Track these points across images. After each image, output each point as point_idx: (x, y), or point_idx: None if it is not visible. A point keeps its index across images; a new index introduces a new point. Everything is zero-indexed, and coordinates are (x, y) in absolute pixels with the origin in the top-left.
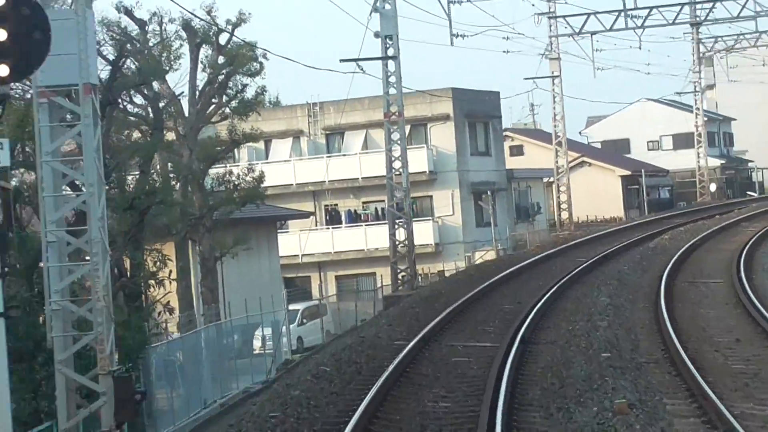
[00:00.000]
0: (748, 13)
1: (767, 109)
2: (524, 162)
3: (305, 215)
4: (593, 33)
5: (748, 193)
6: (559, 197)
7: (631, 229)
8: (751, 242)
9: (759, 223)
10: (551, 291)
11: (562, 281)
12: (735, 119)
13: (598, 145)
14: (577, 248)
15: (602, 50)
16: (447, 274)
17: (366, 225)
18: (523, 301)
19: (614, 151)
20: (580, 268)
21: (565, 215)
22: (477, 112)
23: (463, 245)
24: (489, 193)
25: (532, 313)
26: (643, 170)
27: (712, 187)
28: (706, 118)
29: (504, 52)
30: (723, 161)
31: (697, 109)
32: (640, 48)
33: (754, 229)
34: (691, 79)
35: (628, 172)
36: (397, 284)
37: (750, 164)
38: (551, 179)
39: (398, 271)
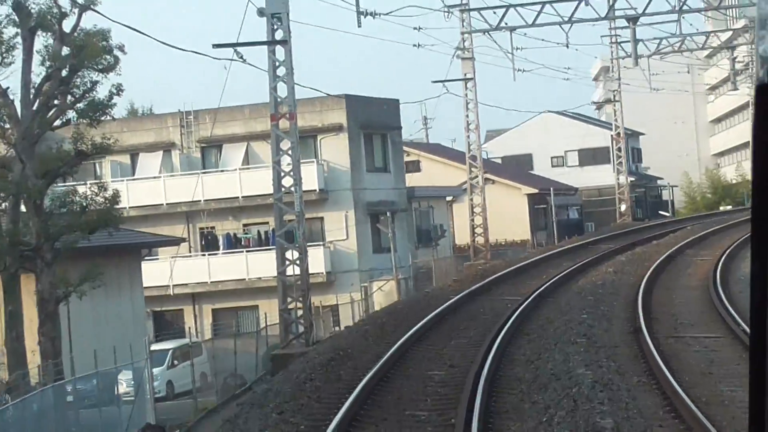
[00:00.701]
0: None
1: (667, 122)
2: (422, 179)
3: (175, 241)
4: (512, 29)
5: (661, 212)
6: (473, 219)
7: (558, 257)
8: (715, 276)
9: (706, 250)
10: (493, 348)
11: (502, 333)
12: (643, 133)
13: (499, 161)
14: (502, 283)
15: (523, 48)
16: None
17: (247, 251)
18: (457, 365)
19: (515, 168)
20: (517, 313)
21: (480, 239)
22: (374, 122)
23: (358, 274)
24: (388, 214)
25: (479, 391)
26: (551, 188)
27: (622, 207)
28: (614, 132)
29: (414, 46)
30: (633, 178)
31: (616, 120)
32: (567, 47)
33: (706, 259)
34: (609, 87)
35: (535, 191)
36: (288, 337)
37: (659, 182)
38: (454, 198)
39: (290, 321)
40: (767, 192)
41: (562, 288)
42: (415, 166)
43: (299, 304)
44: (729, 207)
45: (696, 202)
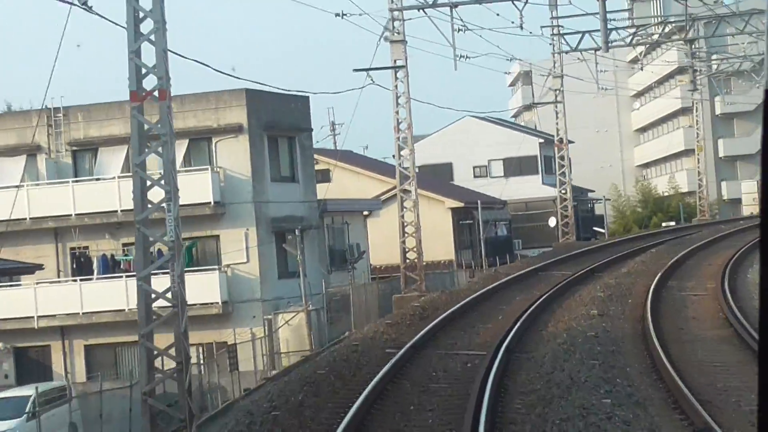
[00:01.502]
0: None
1: (588, 131)
2: (333, 191)
3: (29, 269)
4: (454, 4)
5: (596, 229)
6: (404, 241)
7: (507, 288)
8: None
9: (691, 281)
10: None
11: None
12: (573, 141)
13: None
14: (450, 328)
15: (467, 29)
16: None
17: (127, 276)
18: None
19: (433, 178)
20: (488, 385)
21: (412, 257)
22: (280, 123)
23: (261, 304)
24: (296, 232)
25: None
26: (479, 202)
27: (551, 222)
28: (542, 140)
29: (338, 15)
30: (564, 191)
31: (558, 124)
32: (522, 27)
33: (699, 295)
34: (550, 86)
35: (460, 204)
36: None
37: (590, 194)
38: (369, 213)
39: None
40: None
41: (533, 337)
42: (324, 176)
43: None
44: (672, 223)
45: (625, 216)
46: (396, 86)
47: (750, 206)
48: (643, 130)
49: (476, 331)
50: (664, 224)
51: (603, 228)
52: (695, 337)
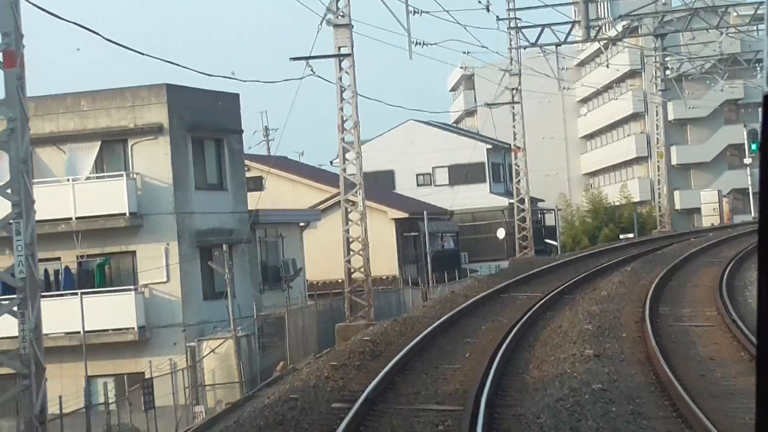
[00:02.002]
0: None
1: (533, 137)
2: (266, 200)
3: None
4: None
5: (548, 242)
6: (349, 259)
7: (468, 316)
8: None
9: (687, 308)
10: None
11: None
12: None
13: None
14: (412, 373)
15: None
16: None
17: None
18: None
19: (375, 187)
20: None
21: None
22: (206, 123)
23: (183, 330)
24: (224, 247)
25: None
26: (425, 212)
27: (500, 234)
28: (490, 146)
29: None
30: (512, 200)
31: (515, 128)
32: (488, 10)
33: (702, 326)
34: (507, 84)
35: (405, 215)
36: None
37: (540, 204)
38: (308, 224)
39: None
40: None
41: (515, 383)
42: (257, 184)
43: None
44: (630, 235)
45: (575, 227)
46: (340, 78)
47: (710, 217)
48: (590, 137)
49: (442, 373)
50: (622, 237)
51: (555, 240)
52: (726, 388)
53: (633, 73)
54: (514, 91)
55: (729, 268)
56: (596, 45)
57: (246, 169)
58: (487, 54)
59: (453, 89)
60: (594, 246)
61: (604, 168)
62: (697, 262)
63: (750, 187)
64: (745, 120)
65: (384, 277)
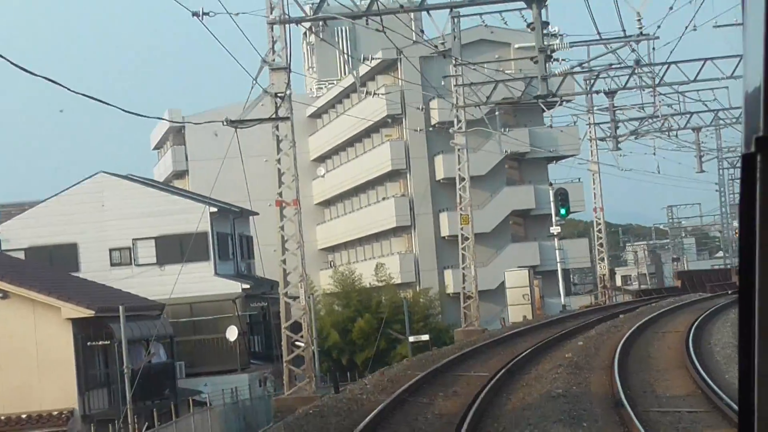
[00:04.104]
0: None
1: (257, 204)
2: None
3: None
4: None
5: (298, 343)
6: None
7: None
8: None
9: None
10: None
11: None
12: (258, 213)
13: (21, 255)
14: None
15: None
16: None
17: None
18: None
19: (48, 270)
20: None
21: None
22: None
23: None
24: None
25: None
26: (121, 307)
27: (231, 334)
28: (214, 209)
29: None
30: (247, 285)
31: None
32: None
33: None
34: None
35: (89, 313)
36: None
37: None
38: None
39: None
40: (752, 267)
41: None
42: None
43: None
44: (425, 337)
45: (321, 318)
46: None
47: (520, 307)
48: (329, 203)
49: None
50: (412, 339)
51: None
52: None
53: (388, 120)
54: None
55: None
56: (338, 89)
57: None
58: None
59: (157, 147)
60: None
61: (352, 240)
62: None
63: (559, 265)
64: (530, 178)
65: (54, 413)
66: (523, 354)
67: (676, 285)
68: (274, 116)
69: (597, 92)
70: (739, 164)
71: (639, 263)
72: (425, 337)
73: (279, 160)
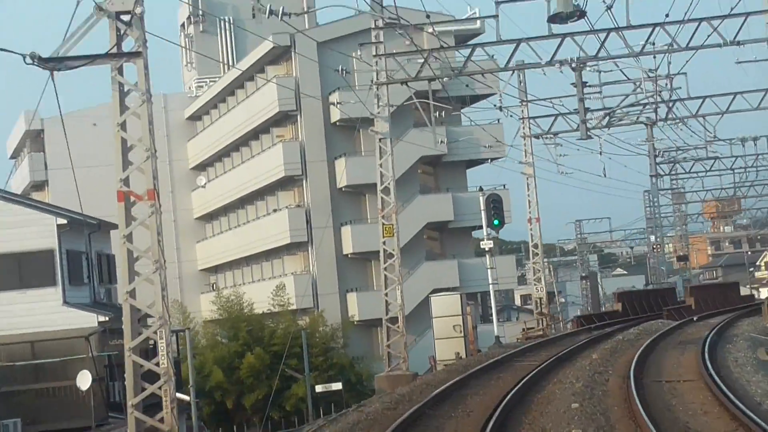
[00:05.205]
0: None
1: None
2: None
3: None
4: None
5: (179, 396)
6: None
7: None
8: None
9: None
10: None
11: None
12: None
13: None
14: None
15: None
16: None
17: None
18: None
19: None
20: None
21: None
22: None
23: None
24: None
25: None
26: None
27: (83, 381)
28: (64, 221)
29: None
30: (106, 317)
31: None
32: None
33: None
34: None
35: None
36: None
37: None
38: None
39: None
40: None
41: None
42: None
43: None
44: (337, 386)
45: (203, 354)
46: None
47: (450, 341)
48: (211, 217)
49: None
50: (320, 389)
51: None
52: None
53: (281, 119)
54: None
55: None
56: (221, 87)
57: None
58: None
59: (14, 155)
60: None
61: (238, 259)
62: None
63: (491, 288)
64: (448, 185)
65: None
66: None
67: (616, 308)
68: (115, 51)
69: (563, 63)
70: None
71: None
72: (336, 386)
73: (123, 125)
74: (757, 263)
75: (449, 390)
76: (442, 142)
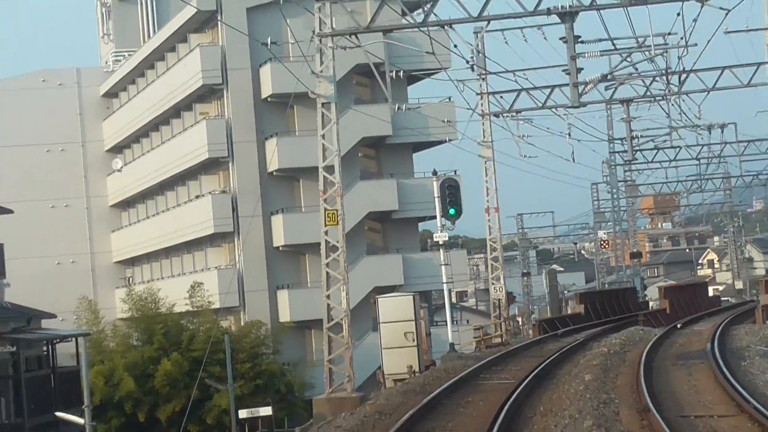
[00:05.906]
0: None
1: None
2: None
3: None
4: None
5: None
6: None
7: None
8: None
9: None
10: None
11: None
12: (12, 211)
13: None
14: None
15: None
16: None
17: None
18: None
19: None
20: None
21: None
22: None
23: None
24: None
25: None
26: None
27: None
28: None
29: None
30: None
31: None
32: None
33: None
34: None
35: None
36: None
37: (47, 322)
38: None
39: None
40: None
41: None
42: None
43: None
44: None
45: (111, 359)
46: None
47: (400, 351)
48: (128, 204)
49: None
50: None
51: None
52: None
53: (206, 93)
54: None
55: None
56: (139, 59)
57: None
58: None
59: None
60: None
61: (156, 251)
62: None
63: (445, 287)
64: (392, 170)
65: None
66: None
67: (577, 311)
68: None
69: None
70: None
71: (477, 278)
72: (265, 411)
73: None
74: (700, 261)
75: (408, 425)
76: (399, 108)
